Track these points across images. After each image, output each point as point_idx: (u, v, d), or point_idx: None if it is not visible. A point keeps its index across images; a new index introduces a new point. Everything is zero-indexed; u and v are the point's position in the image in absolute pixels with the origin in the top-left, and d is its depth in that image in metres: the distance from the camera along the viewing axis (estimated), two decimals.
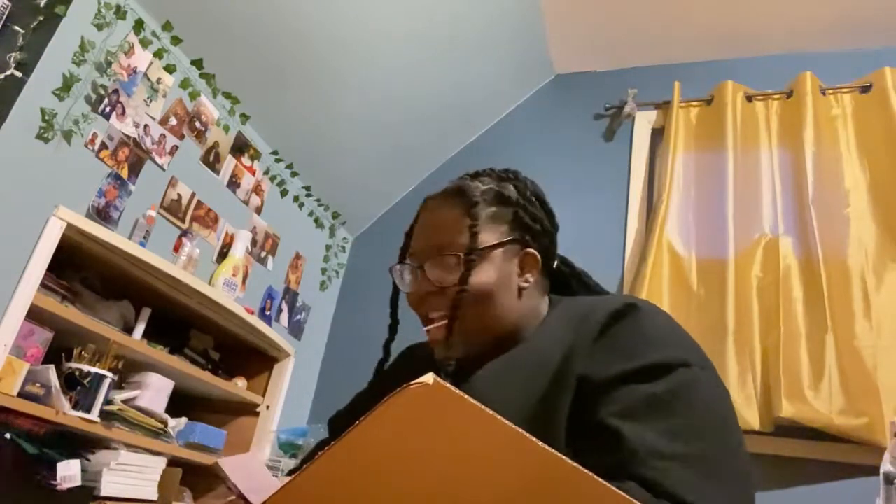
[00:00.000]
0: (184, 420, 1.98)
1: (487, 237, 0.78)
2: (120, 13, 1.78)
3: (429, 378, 0.36)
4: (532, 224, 0.82)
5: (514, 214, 0.81)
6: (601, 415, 0.65)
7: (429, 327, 0.79)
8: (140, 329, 1.86)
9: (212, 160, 2.20)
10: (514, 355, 0.76)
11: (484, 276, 0.77)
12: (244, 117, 2.30)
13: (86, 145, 1.72)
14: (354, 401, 1.00)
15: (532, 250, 0.81)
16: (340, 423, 0.99)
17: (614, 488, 0.42)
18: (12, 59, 1.56)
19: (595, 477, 0.41)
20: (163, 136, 1.98)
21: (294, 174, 2.59)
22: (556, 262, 0.88)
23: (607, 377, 0.67)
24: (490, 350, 0.79)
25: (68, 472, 1.52)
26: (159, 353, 1.86)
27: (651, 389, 0.65)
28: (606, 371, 0.67)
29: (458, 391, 0.37)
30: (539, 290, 0.83)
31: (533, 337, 0.79)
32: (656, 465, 0.60)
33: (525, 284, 0.81)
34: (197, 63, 2.08)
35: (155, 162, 1.96)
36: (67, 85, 1.64)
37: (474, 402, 0.37)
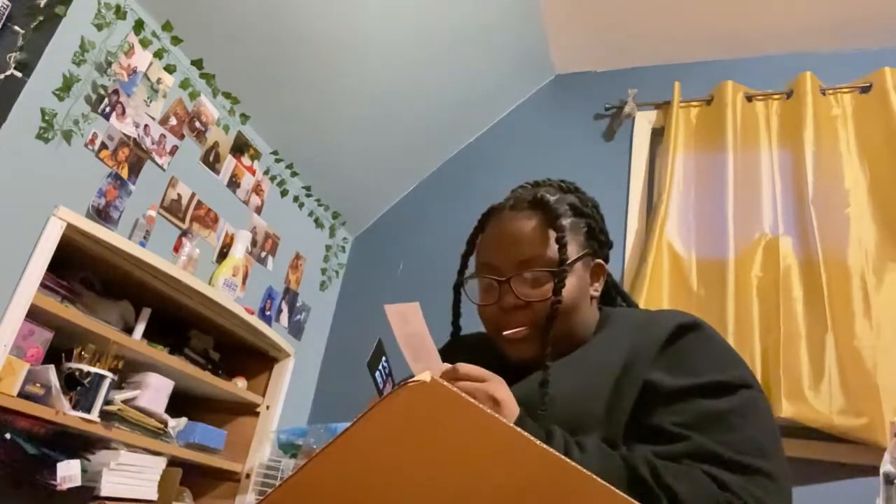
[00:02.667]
0: (184, 420, 1.97)
1: (572, 249, 0.80)
2: (120, 13, 1.78)
3: (426, 376, 0.36)
4: (600, 235, 0.87)
5: (587, 226, 0.85)
6: (664, 423, 0.69)
7: (515, 338, 0.79)
8: (140, 329, 1.86)
9: (212, 160, 2.20)
10: (578, 356, 0.79)
11: (571, 288, 0.79)
12: (244, 117, 2.30)
13: (86, 145, 1.73)
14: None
15: (601, 261, 0.86)
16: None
17: (612, 487, 0.42)
18: (12, 59, 1.56)
19: (593, 476, 0.41)
20: (163, 136, 1.98)
21: (294, 174, 2.59)
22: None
23: (672, 388, 0.70)
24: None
25: (68, 472, 1.52)
26: (159, 353, 1.86)
27: (714, 405, 0.69)
28: (672, 381, 0.71)
29: (455, 389, 0.37)
30: (598, 298, 0.87)
31: (595, 339, 0.82)
32: (723, 475, 0.65)
33: (595, 293, 0.85)
34: (197, 63, 2.08)
35: (155, 162, 1.96)
36: (67, 85, 1.64)
37: (471, 400, 0.37)
